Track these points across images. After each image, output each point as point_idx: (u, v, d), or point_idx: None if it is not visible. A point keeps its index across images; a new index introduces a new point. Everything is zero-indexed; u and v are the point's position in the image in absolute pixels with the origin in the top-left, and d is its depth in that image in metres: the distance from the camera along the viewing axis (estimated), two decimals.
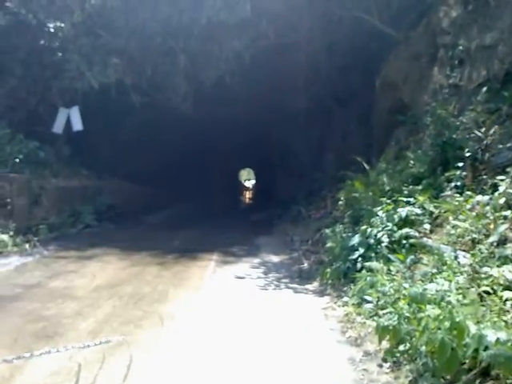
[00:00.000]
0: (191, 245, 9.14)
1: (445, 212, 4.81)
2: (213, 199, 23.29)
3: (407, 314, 3.20)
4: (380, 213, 5.36)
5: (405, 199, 5.32)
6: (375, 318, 3.80)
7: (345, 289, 5.04)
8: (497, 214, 4.00)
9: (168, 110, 13.39)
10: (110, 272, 6.50)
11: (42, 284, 5.73)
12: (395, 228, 4.96)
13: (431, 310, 2.99)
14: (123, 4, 10.45)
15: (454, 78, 6.77)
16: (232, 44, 10.62)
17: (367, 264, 4.64)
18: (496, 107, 5.66)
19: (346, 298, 4.73)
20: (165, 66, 11.42)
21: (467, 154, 5.29)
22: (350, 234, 5.72)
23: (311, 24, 10.03)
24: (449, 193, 5.11)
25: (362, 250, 5.08)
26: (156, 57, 11.32)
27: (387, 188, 6.17)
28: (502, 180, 4.34)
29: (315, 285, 5.89)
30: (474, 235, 4.01)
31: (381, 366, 3.29)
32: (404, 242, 4.73)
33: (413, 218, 5.00)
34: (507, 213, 3.94)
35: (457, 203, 4.59)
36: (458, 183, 5.16)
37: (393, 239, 4.85)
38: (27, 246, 7.96)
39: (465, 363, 2.71)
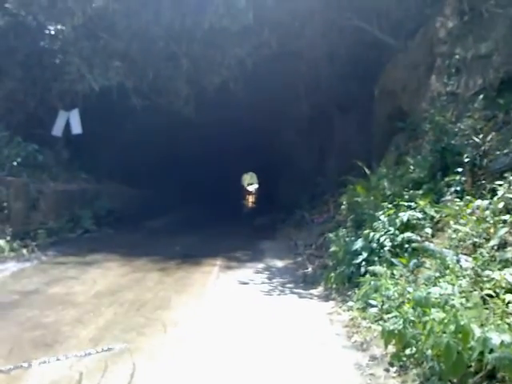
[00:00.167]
0: (193, 250, 9.08)
1: (445, 216, 4.89)
2: (215, 203, 23.11)
3: (412, 318, 3.23)
4: (382, 217, 5.42)
5: (406, 204, 5.38)
6: (380, 322, 3.84)
7: (349, 293, 5.08)
8: (496, 218, 4.08)
9: (170, 114, 13.29)
10: (110, 278, 6.42)
11: (40, 290, 5.59)
12: (397, 232, 5.02)
13: (436, 314, 3.03)
14: (125, 7, 10.35)
15: (452, 85, 6.90)
16: (234, 51, 10.62)
17: (371, 268, 4.69)
18: (492, 114, 5.79)
19: (350, 303, 4.77)
20: (167, 69, 11.36)
21: (466, 160, 5.38)
22: (352, 238, 5.77)
23: (313, 33, 10.13)
24: (449, 197, 5.20)
25: (365, 254, 5.14)
26: (158, 60, 11.25)
27: (388, 192, 6.25)
28: (500, 185, 4.42)
29: (320, 289, 5.91)
30: (475, 239, 4.08)
31: (387, 370, 3.31)
32: (406, 246, 4.79)
33: (414, 222, 5.06)
34: (506, 217, 4.03)
35: (457, 208, 4.66)
36: (458, 188, 5.25)
37: (395, 243, 4.90)
38: (25, 251, 7.79)
39: (471, 366, 2.75)
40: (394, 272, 4.30)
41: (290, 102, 13.20)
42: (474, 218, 4.30)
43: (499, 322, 2.84)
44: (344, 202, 7.69)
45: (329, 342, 4.01)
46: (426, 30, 8.04)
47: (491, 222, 4.11)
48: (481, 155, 5.38)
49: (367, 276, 4.60)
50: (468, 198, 4.74)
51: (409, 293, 3.65)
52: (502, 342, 2.56)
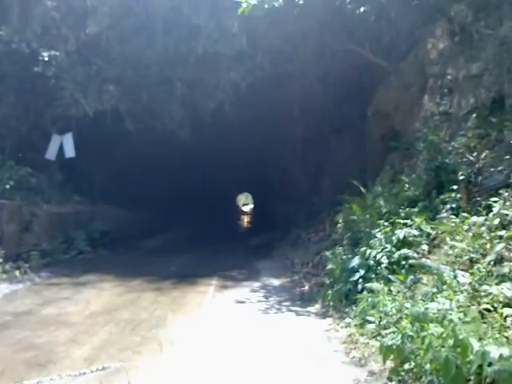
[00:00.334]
0: (189, 270, 9.03)
1: (442, 233, 4.92)
2: (211, 224, 23.15)
3: (410, 333, 3.22)
4: (378, 234, 5.45)
5: (402, 221, 5.41)
6: (378, 337, 3.82)
7: (347, 310, 5.05)
8: (492, 234, 4.12)
9: (164, 136, 13.40)
10: (105, 298, 6.36)
11: (33, 311, 5.54)
12: (394, 249, 5.03)
13: (434, 329, 3.03)
14: (119, 33, 10.48)
15: (444, 105, 7.06)
16: (229, 75, 10.77)
17: (368, 285, 4.68)
18: (486, 133, 5.90)
19: (348, 320, 4.73)
20: (161, 93, 11.46)
21: (461, 178, 5.46)
22: (349, 256, 5.77)
23: (305, 55, 10.35)
24: (445, 214, 5.24)
25: (362, 272, 5.14)
26: (152, 84, 11.35)
27: (384, 210, 6.29)
28: (495, 201, 4.49)
29: (317, 307, 5.87)
30: (472, 255, 4.10)
31: None
32: (403, 262, 4.80)
33: (410, 239, 5.09)
34: (502, 232, 4.07)
35: (453, 224, 4.71)
36: (453, 205, 5.30)
37: (392, 260, 4.92)
38: (17, 272, 7.75)
39: (470, 380, 2.73)
40: (392, 288, 4.28)
41: (285, 123, 13.40)
42: (471, 234, 4.33)
43: (497, 335, 2.84)
44: (340, 221, 7.71)
45: (327, 358, 3.97)
46: (417, 52, 8.28)
47: (487, 237, 4.14)
48: (475, 173, 5.47)
49: (364, 293, 4.59)
50: (464, 214, 4.78)
51: (406, 308, 3.63)
52: (501, 355, 2.55)
